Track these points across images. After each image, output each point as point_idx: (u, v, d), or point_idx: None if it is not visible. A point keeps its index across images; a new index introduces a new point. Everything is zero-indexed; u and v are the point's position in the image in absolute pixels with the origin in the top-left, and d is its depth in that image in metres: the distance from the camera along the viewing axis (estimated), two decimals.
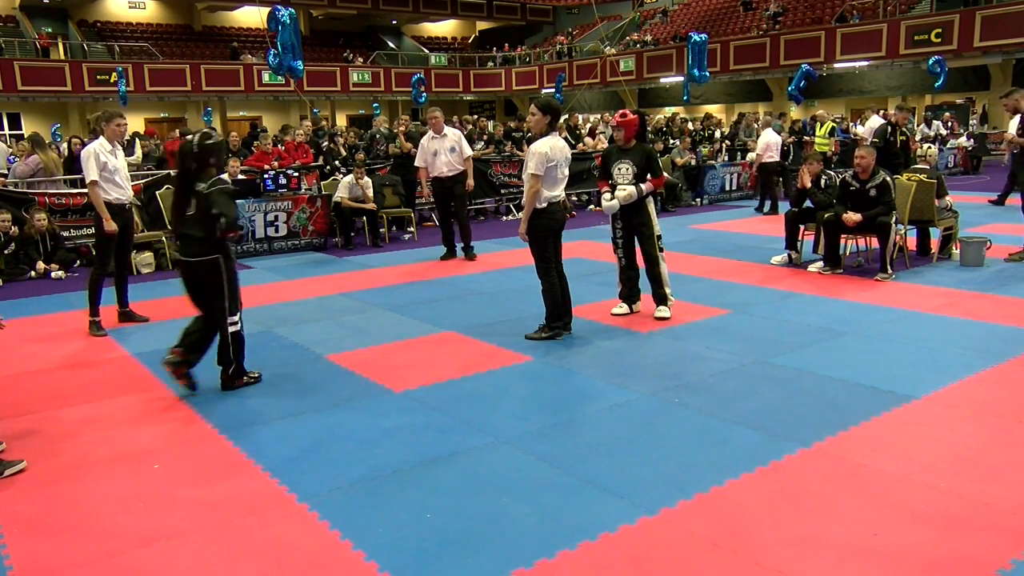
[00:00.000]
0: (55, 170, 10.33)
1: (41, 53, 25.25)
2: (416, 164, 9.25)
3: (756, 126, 17.03)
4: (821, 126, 15.55)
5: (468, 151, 9.11)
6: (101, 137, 6.23)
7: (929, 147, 9.67)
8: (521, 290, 7.28)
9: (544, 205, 5.48)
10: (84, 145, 11.06)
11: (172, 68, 26.35)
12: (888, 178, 7.33)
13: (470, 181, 9.11)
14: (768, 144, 12.41)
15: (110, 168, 6.11)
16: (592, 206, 13.84)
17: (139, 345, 5.88)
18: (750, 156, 14.98)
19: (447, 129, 9.01)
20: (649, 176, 6.10)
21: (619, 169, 6.05)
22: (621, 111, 6.42)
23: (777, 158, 12.50)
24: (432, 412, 4.35)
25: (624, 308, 6.32)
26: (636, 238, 6.24)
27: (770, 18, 25.57)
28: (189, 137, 4.69)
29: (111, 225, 6.09)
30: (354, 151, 12.49)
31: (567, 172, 5.59)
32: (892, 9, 23.06)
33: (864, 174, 7.32)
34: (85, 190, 9.86)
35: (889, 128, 10.21)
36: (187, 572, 2.85)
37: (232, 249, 4.77)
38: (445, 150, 8.84)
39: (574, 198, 13.62)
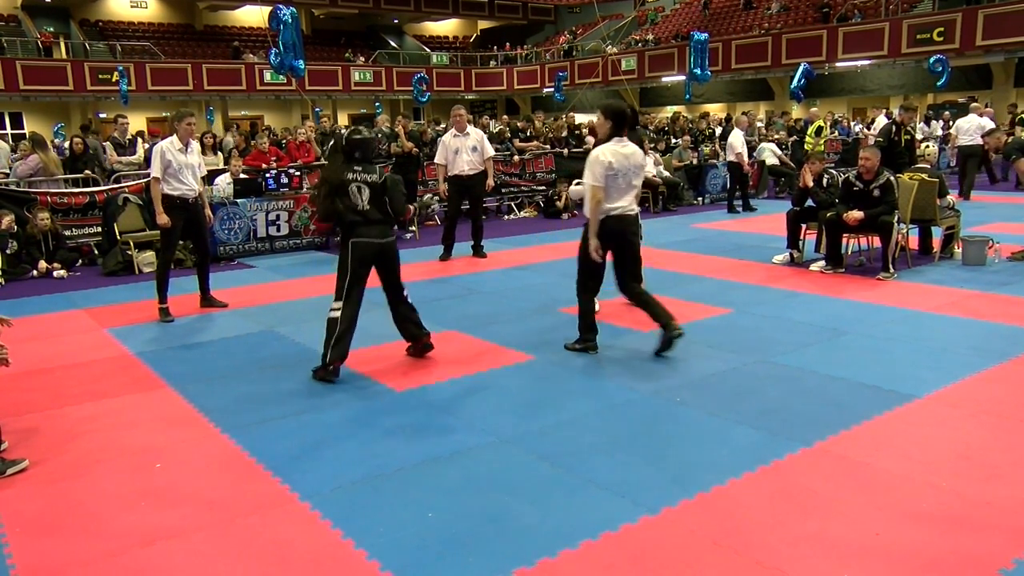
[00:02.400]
0: (55, 170, 10.33)
1: (43, 52, 25.26)
2: (436, 162, 9.29)
3: (759, 125, 17.03)
4: (810, 126, 15.78)
5: (490, 151, 9.21)
6: (173, 136, 6.57)
7: (928, 145, 9.67)
8: (522, 289, 7.28)
9: (601, 218, 4.98)
10: (86, 145, 11.21)
11: (174, 67, 26.35)
12: (892, 178, 7.32)
13: (490, 181, 9.24)
14: (731, 144, 12.42)
15: (175, 166, 6.45)
16: None
17: (141, 344, 5.88)
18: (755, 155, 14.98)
19: (470, 128, 9.09)
20: None
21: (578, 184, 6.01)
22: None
23: (736, 157, 12.32)
24: (433, 411, 4.35)
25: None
26: None
27: (818, 10, 25.26)
28: (341, 132, 5.16)
29: (163, 219, 6.50)
30: None
31: (637, 182, 5.09)
32: (894, 8, 23.03)
33: (868, 175, 7.30)
34: (87, 189, 10.03)
35: (894, 128, 10.20)
36: (189, 571, 2.85)
37: None
38: (467, 149, 8.92)
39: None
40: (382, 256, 5.01)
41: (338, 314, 4.88)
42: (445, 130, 11.37)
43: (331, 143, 5.15)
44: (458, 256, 9.19)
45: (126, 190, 9.65)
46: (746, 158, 12.45)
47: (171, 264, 6.78)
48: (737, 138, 12.35)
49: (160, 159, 6.42)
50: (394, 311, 5.23)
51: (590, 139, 14.77)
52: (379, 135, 12.93)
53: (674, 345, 5.08)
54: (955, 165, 15.89)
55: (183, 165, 6.50)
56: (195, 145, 6.76)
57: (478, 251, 9.25)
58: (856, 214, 7.21)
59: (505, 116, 16.63)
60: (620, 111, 5.01)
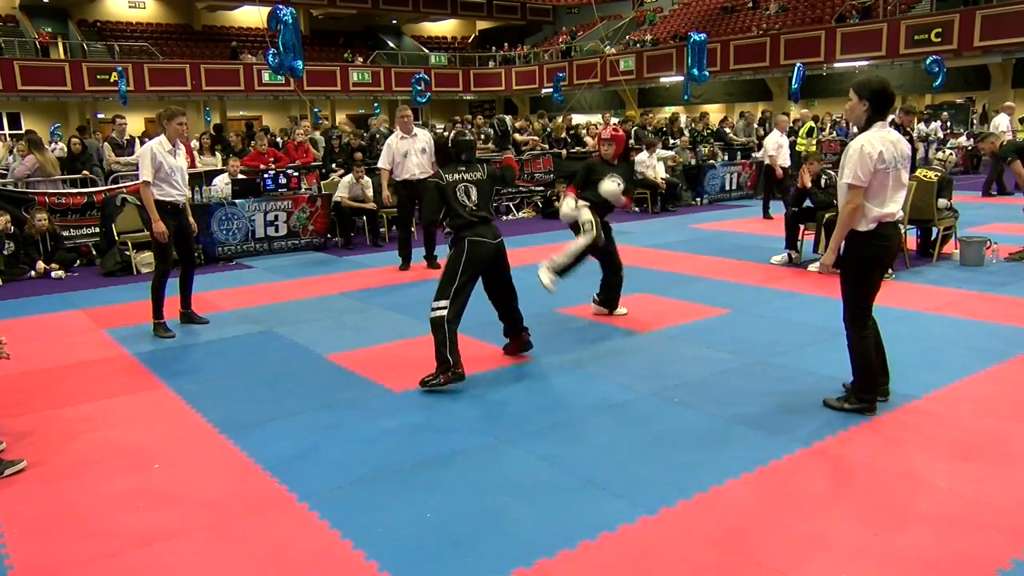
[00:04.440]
0: (52, 170, 10.32)
1: (41, 52, 25.23)
2: (380, 166, 8.64)
3: (756, 126, 17.02)
4: (802, 126, 15.53)
5: None
6: (161, 136, 6.08)
7: (949, 152, 9.58)
8: (522, 290, 7.24)
9: (872, 227, 3.90)
10: (84, 145, 11.19)
11: (172, 68, 26.34)
12: None
13: None
14: (765, 145, 11.77)
15: (166, 169, 5.96)
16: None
17: (139, 345, 5.87)
18: (754, 155, 14.94)
19: (417, 130, 8.61)
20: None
21: (612, 183, 5.88)
22: (612, 125, 6.29)
23: (769, 160, 11.59)
24: (432, 412, 4.35)
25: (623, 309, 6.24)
26: (607, 245, 6.08)
27: (860, 6, 24.96)
28: (441, 132, 4.95)
29: (160, 226, 5.97)
30: (352, 151, 12.48)
31: (905, 177, 3.98)
32: (892, 9, 23.06)
33: None
34: (85, 190, 10.01)
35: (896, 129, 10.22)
36: (187, 571, 2.85)
37: None
38: (416, 151, 8.37)
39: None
40: (496, 256, 4.91)
41: (444, 313, 4.64)
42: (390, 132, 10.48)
43: (437, 143, 5.07)
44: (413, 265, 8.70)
45: (124, 190, 9.65)
46: (784, 161, 11.39)
47: (168, 275, 6.19)
48: (771, 139, 11.54)
49: (151, 161, 5.87)
50: (502, 307, 5.18)
51: (589, 139, 14.78)
52: (377, 135, 12.94)
53: (867, 413, 4.12)
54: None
55: (173, 168, 6.01)
56: (181, 147, 6.27)
57: (431, 261, 8.55)
58: None
59: (477, 118, 16.61)
60: (881, 88, 3.90)
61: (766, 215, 11.82)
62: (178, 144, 6.16)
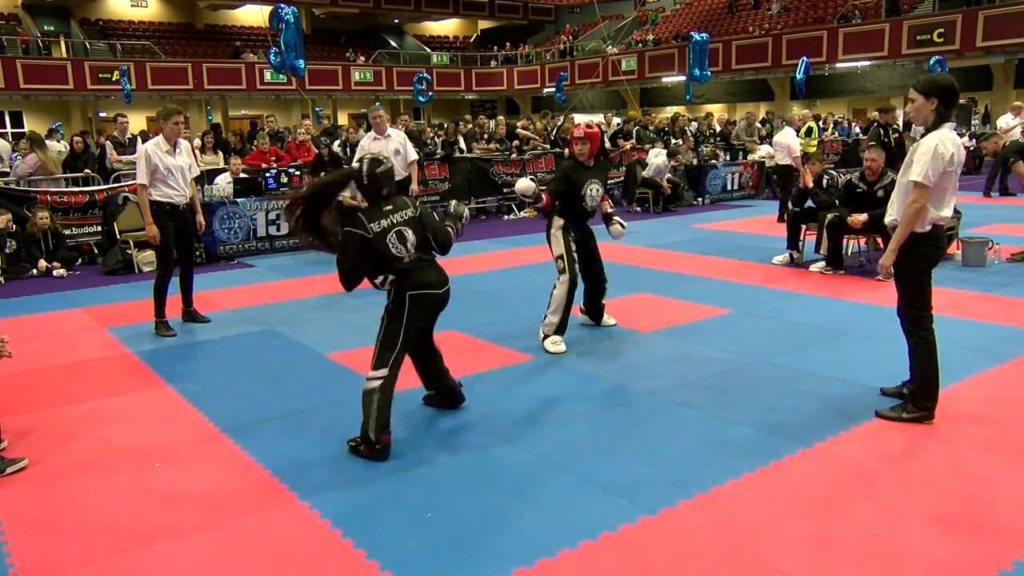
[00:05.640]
0: (54, 169, 10.33)
1: (38, 50, 25.23)
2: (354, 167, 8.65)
3: (758, 125, 16.99)
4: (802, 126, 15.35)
5: (413, 155, 8.59)
6: (159, 136, 6.04)
7: None
8: (523, 290, 7.27)
9: (928, 228, 3.83)
10: (86, 143, 11.20)
11: (174, 66, 26.34)
12: (895, 178, 7.33)
13: (415, 186, 8.56)
14: (788, 146, 10.98)
15: (162, 170, 5.92)
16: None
17: (140, 343, 5.88)
18: (751, 156, 14.92)
19: (391, 130, 8.58)
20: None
21: (591, 191, 5.43)
22: (585, 123, 5.83)
23: (794, 161, 10.87)
24: (432, 412, 4.35)
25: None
26: (587, 259, 5.68)
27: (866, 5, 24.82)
28: (355, 166, 4.01)
29: (152, 230, 5.95)
30: (353, 148, 12.42)
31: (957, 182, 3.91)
32: (895, 9, 23.04)
33: (873, 176, 7.32)
34: (87, 188, 10.02)
35: (881, 130, 10.22)
36: (188, 570, 2.85)
37: None
38: (389, 153, 8.19)
39: None
40: (440, 307, 4.00)
41: (378, 384, 3.72)
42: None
43: (331, 176, 4.07)
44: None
45: (126, 189, 9.66)
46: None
47: (170, 275, 6.16)
48: (792, 138, 10.88)
49: (145, 163, 5.86)
50: (423, 363, 4.26)
51: (619, 141, 14.76)
52: None
53: (926, 421, 3.98)
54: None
55: (171, 168, 5.95)
56: (184, 145, 6.23)
57: None
58: (861, 217, 7.20)
59: (480, 117, 16.64)
60: (950, 85, 3.77)
61: (782, 219, 11.06)
62: (178, 144, 6.11)
